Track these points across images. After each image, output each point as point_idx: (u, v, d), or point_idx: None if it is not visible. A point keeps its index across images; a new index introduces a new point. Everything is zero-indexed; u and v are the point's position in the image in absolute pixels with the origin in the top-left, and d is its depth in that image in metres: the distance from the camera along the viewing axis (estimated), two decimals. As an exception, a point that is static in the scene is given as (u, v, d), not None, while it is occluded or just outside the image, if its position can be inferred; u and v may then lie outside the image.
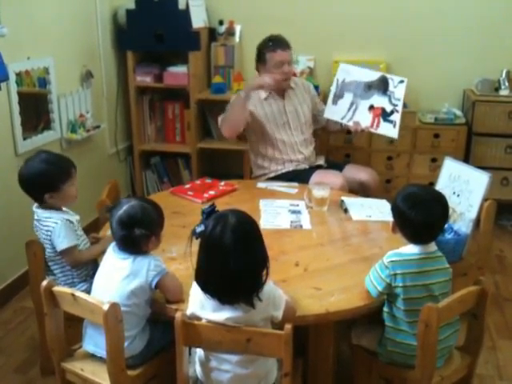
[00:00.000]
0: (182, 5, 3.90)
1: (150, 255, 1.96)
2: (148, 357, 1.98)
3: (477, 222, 2.60)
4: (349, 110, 3.29)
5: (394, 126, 3.17)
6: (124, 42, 4.06)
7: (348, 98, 3.31)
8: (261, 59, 3.25)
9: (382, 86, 3.23)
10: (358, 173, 3.30)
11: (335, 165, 3.42)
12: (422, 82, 4.09)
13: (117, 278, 1.91)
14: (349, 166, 3.43)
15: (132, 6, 3.93)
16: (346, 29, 4.15)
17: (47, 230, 2.27)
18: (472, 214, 2.58)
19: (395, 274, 1.88)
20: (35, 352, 2.61)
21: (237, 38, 4.26)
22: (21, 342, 2.77)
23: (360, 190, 3.17)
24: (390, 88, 3.22)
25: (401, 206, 1.92)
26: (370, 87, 3.26)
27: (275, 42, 3.21)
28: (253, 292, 1.67)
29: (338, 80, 3.37)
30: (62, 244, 2.25)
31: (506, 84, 3.85)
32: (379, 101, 3.23)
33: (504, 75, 3.86)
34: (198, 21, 4.05)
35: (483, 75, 3.90)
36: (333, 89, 3.38)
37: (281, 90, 3.30)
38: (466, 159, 3.80)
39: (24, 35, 3.10)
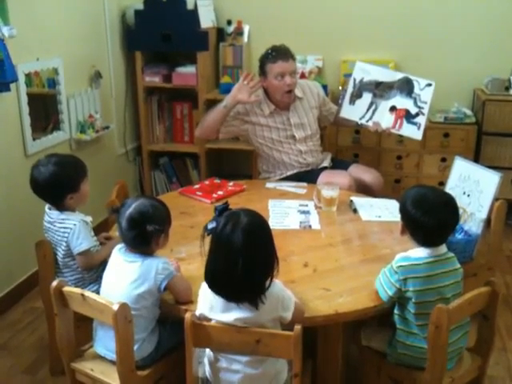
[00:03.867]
0: (190, 5, 3.90)
1: (157, 258, 1.95)
2: (157, 358, 1.98)
3: (487, 223, 2.59)
4: (368, 109, 3.23)
5: (419, 128, 3.13)
6: (132, 42, 4.06)
7: (367, 97, 3.25)
8: (262, 71, 3.14)
9: (406, 87, 3.17)
10: (363, 174, 3.26)
11: (341, 163, 3.40)
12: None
13: (125, 281, 1.90)
14: (354, 165, 3.38)
15: (140, 6, 3.94)
16: (354, 28, 4.13)
17: (64, 232, 2.25)
18: (482, 214, 2.56)
19: (405, 279, 1.87)
20: (44, 352, 2.62)
21: (245, 38, 4.25)
22: (30, 342, 2.77)
23: (363, 191, 3.13)
24: (416, 90, 3.16)
25: (412, 212, 1.89)
26: (391, 88, 3.21)
27: (276, 53, 3.09)
28: (259, 292, 1.67)
29: (355, 79, 3.29)
30: (82, 245, 2.23)
31: (517, 83, 3.83)
32: (403, 102, 3.18)
33: (514, 74, 3.84)
34: (207, 21, 4.05)
35: (493, 74, 3.87)
36: (350, 88, 3.30)
37: (286, 104, 3.20)
38: (476, 159, 3.77)
39: (33, 36, 3.11)
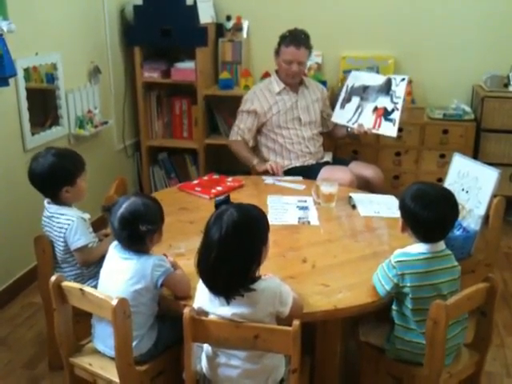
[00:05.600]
0: (189, 0, 3.89)
1: (153, 255, 1.94)
2: (156, 353, 1.98)
3: (486, 219, 2.59)
4: (355, 113, 3.31)
5: (394, 124, 3.16)
6: (131, 37, 4.05)
7: (355, 101, 3.35)
8: (277, 50, 3.29)
9: (386, 87, 3.25)
10: (363, 170, 3.30)
11: (341, 161, 3.43)
12: (430, 78, 4.07)
13: (121, 279, 1.90)
14: (354, 162, 3.43)
15: (139, 1, 3.93)
16: (354, 24, 4.13)
17: (61, 227, 2.25)
18: (481, 210, 2.57)
19: (403, 274, 1.87)
20: (43, 347, 2.62)
21: (244, 34, 4.24)
22: (29, 337, 2.77)
23: (364, 187, 3.16)
24: (393, 87, 3.23)
25: (412, 207, 1.89)
26: (376, 91, 3.29)
27: (292, 37, 3.23)
28: (230, 290, 1.67)
29: (347, 86, 3.42)
30: (79, 242, 2.23)
31: (516, 80, 3.83)
32: (383, 101, 3.25)
33: (513, 71, 3.83)
34: (206, 16, 4.04)
35: (492, 71, 3.87)
36: (342, 94, 3.42)
37: (294, 85, 3.33)
38: (475, 155, 3.78)
39: (32, 31, 3.10)
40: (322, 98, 3.46)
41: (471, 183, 2.63)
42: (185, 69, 4.05)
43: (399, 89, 3.19)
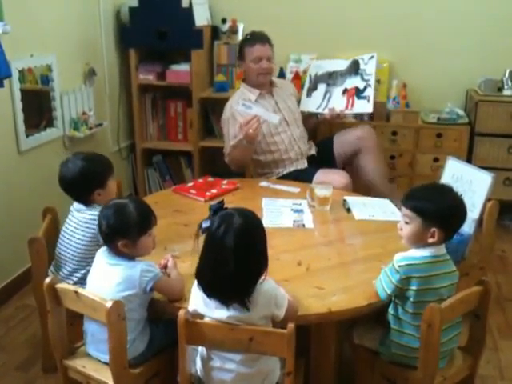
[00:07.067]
0: (185, 3, 3.89)
1: (140, 261, 1.93)
2: (150, 356, 1.98)
3: (479, 223, 2.60)
4: (323, 99, 3.37)
5: (368, 100, 3.23)
6: (127, 39, 4.05)
7: (321, 88, 3.43)
8: (240, 55, 3.28)
9: (354, 67, 3.34)
10: (352, 132, 3.38)
11: (326, 141, 3.47)
12: (425, 82, 4.09)
13: (108, 285, 1.88)
14: (338, 133, 3.47)
15: (135, 3, 3.92)
16: (349, 27, 4.14)
17: None
18: (475, 214, 2.58)
19: (408, 278, 1.85)
20: (37, 349, 2.61)
21: (240, 37, 4.24)
22: (22, 339, 2.76)
23: (358, 147, 3.24)
24: (361, 66, 3.31)
25: (427, 205, 1.87)
26: (342, 74, 3.37)
27: (254, 37, 3.24)
28: (247, 295, 1.67)
29: (310, 75, 3.51)
30: None
31: (510, 84, 3.84)
32: (352, 82, 3.34)
33: (507, 75, 3.84)
34: (201, 19, 4.04)
35: (486, 75, 3.89)
36: (306, 84, 3.50)
37: (267, 87, 3.32)
38: (469, 159, 3.79)
39: (27, 32, 3.10)
40: (294, 91, 3.51)
41: (465, 187, 2.64)
42: (180, 71, 4.05)
43: (369, 66, 3.27)
